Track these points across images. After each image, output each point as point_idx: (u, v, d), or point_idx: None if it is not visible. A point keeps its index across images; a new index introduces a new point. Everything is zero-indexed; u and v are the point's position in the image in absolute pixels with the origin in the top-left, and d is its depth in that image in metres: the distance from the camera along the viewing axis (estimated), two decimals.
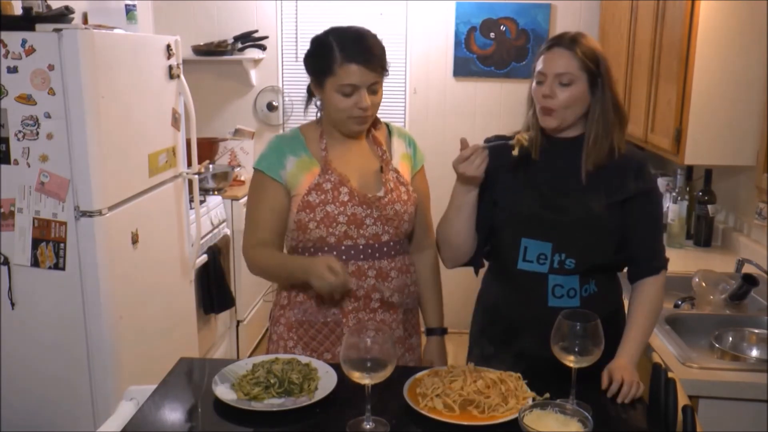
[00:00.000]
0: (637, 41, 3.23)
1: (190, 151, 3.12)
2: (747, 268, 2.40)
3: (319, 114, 1.88)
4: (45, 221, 2.39)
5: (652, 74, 2.96)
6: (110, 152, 2.43)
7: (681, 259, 2.79)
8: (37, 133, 2.33)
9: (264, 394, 1.53)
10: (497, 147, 1.68)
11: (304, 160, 1.83)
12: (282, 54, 4.35)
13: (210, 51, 4.16)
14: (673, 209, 3.05)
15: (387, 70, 1.79)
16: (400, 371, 1.52)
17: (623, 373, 1.57)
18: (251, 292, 4.04)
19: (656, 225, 1.78)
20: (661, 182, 3.23)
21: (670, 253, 1.83)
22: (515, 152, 1.67)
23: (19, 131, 2.34)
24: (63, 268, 2.41)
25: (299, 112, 4.35)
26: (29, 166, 2.36)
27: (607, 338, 1.47)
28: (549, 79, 1.67)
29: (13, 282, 2.44)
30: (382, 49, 1.78)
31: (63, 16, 2.40)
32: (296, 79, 4.36)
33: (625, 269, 1.80)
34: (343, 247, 1.81)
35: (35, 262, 2.42)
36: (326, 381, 1.58)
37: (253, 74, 4.35)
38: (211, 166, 3.97)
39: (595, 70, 1.66)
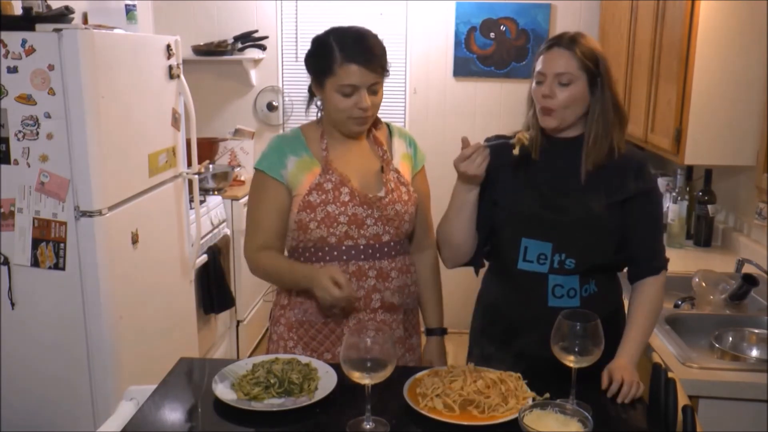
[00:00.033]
0: (637, 41, 3.23)
1: (190, 151, 3.12)
2: (747, 268, 2.40)
3: (319, 114, 1.88)
4: (45, 221, 2.39)
5: (652, 74, 2.96)
6: (110, 152, 2.43)
7: (681, 259, 2.79)
8: (37, 133, 2.33)
9: (264, 394, 1.53)
10: (498, 146, 1.68)
11: (305, 160, 1.83)
12: (282, 54, 4.35)
13: (210, 51, 4.16)
14: (673, 209, 3.05)
15: (387, 71, 1.79)
16: (400, 371, 1.52)
17: (623, 373, 1.57)
18: (251, 292, 4.04)
19: (656, 225, 1.78)
20: (661, 182, 3.22)
21: (670, 253, 1.83)
22: (516, 151, 1.67)
23: (19, 131, 2.34)
24: (63, 268, 2.41)
25: (299, 112, 4.35)
26: (29, 166, 2.36)
27: (607, 338, 1.47)
28: (548, 79, 1.67)
29: (13, 282, 2.44)
30: (383, 50, 1.78)
31: (63, 16, 2.40)
32: (296, 79, 4.36)
33: (625, 269, 1.80)
34: (343, 248, 1.81)
35: (35, 262, 2.42)
36: (326, 381, 1.58)
37: (253, 74, 4.35)
38: (211, 166, 3.97)
39: (594, 69, 1.66)
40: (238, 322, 3.93)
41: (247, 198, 1.94)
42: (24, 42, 2.27)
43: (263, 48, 4.26)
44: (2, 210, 2.40)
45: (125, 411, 1.56)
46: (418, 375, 1.60)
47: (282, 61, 4.36)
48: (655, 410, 1.53)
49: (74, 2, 2.66)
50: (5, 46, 2.28)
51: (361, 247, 1.82)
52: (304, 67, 1.84)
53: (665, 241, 2.41)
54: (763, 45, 2.55)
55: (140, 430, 1.46)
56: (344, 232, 1.79)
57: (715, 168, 2.99)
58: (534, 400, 1.48)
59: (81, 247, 2.40)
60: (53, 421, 2.52)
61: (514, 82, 4.21)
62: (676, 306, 2.36)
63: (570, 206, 1.70)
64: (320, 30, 1.81)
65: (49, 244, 2.40)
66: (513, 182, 1.75)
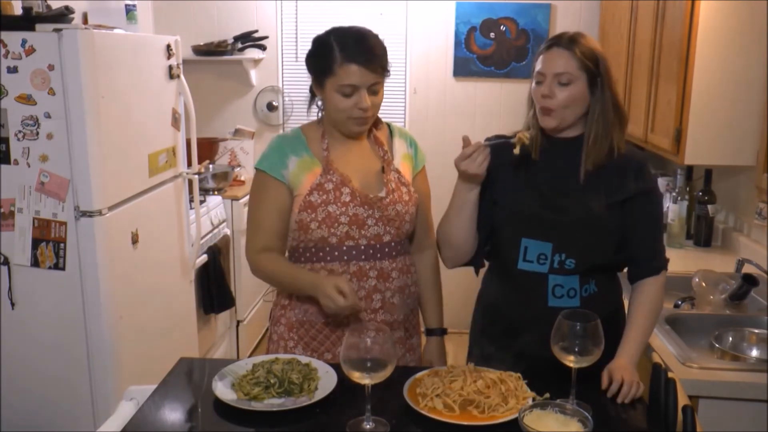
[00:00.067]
0: (637, 41, 3.23)
1: (190, 151, 3.12)
2: (747, 268, 2.40)
3: (320, 114, 1.88)
4: (45, 221, 2.39)
5: (652, 74, 2.96)
6: (110, 152, 2.43)
7: (681, 259, 2.79)
8: (37, 133, 2.33)
9: (264, 394, 1.53)
10: (498, 145, 1.68)
11: (306, 160, 1.82)
12: (282, 54, 4.35)
13: (210, 51, 4.16)
14: (673, 209, 3.05)
15: (388, 71, 1.79)
16: (400, 371, 1.52)
17: (623, 373, 1.57)
18: (251, 292, 4.04)
19: (656, 225, 1.78)
20: (661, 182, 3.22)
21: (670, 253, 1.83)
22: (517, 150, 1.67)
23: (19, 131, 2.34)
24: (63, 268, 2.41)
25: (299, 112, 4.36)
26: (29, 166, 2.36)
27: (607, 338, 1.47)
28: (548, 79, 1.67)
29: (13, 282, 2.44)
30: (384, 50, 1.77)
31: (63, 16, 2.40)
32: (296, 79, 4.36)
33: (625, 269, 1.80)
34: (344, 248, 1.81)
35: (35, 262, 2.42)
36: (326, 381, 1.58)
37: (253, 74, 4.35)
38: (211, 166, 3.97)
39: (594, 69, 1.66)
40: (238, 322, 3.93)
41: (247, 198, 1.94)
42: (24, 42, 2.27)
43: (263, 48, 4.26)
44: (2, 210, 2.40)
45: (125, 411, 1.56)
46: (418, 375, 1.60)
47: (282, 61, 4.36)
48: (655, 410, 1.53)
49: (74, 2, 2.66)
50: (5, 46, 2.28)
51: (362, 247, 1.81)
52: (304, 67, 1.84)
53: (665, 241, 2.41)
54: (763, 45, 2.55)
55: (140, 430, 1.46)
56: (345, 233, 1.79)
57: (715, 168, 2.99)
58: (534, 400, 1.48)
59: (81, 247, 2.39)
60: (53, 421, 2.52)
61: (514, 82, 4.21)
62: (676, 306, 2.36)
63: (570, 206, 1.70)
64: (320, 30, 1.81)
65: (49, 244, 2.40)
66: (513, 182, 1.75)
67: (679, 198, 3.07)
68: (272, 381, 1.55)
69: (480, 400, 1.47)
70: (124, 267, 2.54)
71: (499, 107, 4.29)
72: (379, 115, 1.89)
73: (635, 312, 1.72)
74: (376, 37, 1.78)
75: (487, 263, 1.89)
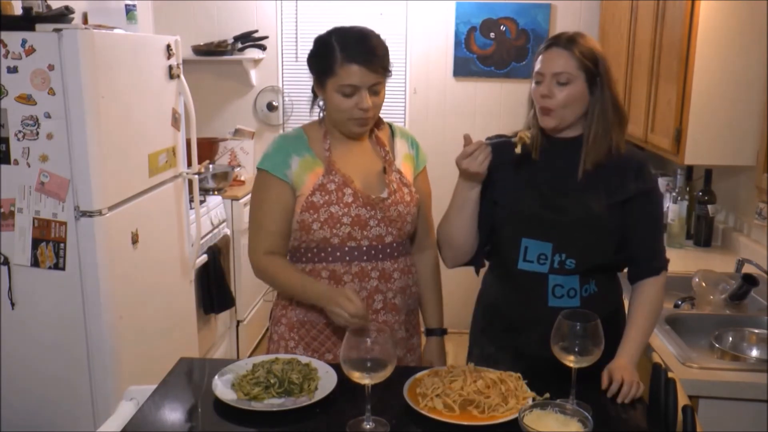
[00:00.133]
0: (637, 41, 3.23)
1: (190, 151, 3.12)
2: (747, 268, 2.40)
3: (321, 114, 1.88)
4: (45, 221, 2.39)
5: (652, 74, 2.96)
6: (110, 152, 2.43)
7: (681, 259, 2.79)
8: (37, 133, 2.33)
9: (264, 394, 1.53)
10: (499, 144, 1.68)
11: (308, 160, 1.82)
12: (282, 54, 4.35)
13: (210, 51, 4.16)
14: (673, 209, 3.05)
15: (390, 71, 1.78)
16: (400, 371, 1.52)
17: (623, 373, 1.57)
18: (251, 292, 4.04)
19: (656, 225, 1.78)
20: (661, 182, 3.22)
21: (670, 253, 1.83)
22: (518, 150, 1.67)
23: (19, 131, 2.34)
24: (63, 268, 2.41)
25: (299, 112, 4.36)
26: (29, 166, 2.36)
27: (607, 338, 1.47)
28: (547, 79, 1.67)
29: (13, 282, 2.44)
30: (385, 50, 1.77)
31: (63, 16, 2.40)
32: (296, 79, 4.36)
33: (626, 269, 1.80)
34: (346, 249, 1.80)
35: (35, 262, 2.42)
36: (326, 381, 1.58)
37: (253, 74, 4.35)
38: (211, 166, 3.97)
39: (593, 69, 1.66)
40: (238, 322, 3.93)
41: (247, 198, 1.94)
42: (24, 42, 2.27)
43: (263, 48, 4.26)
44: (2, 210, 2.40)
45: (125, 411, 1.56)
46: (418, 375, 1.60)
47: (282, 61, 4.36)
48: (655, 410, 1.53)
49: (74, 2, 2.66)
50: (5, 46, 2.28)
51: (364, 248, 1.81)
52: (304, 67, 1.84)
53: (665, 241, 2.41)
54: (763, 45, 2.55)
55: (140, 430, 1.46)
56: (347, 233, 1.79)
57: (715, 168, 2.99)
58: (534, 400, 1.48)
59: (81, 247, 2.40)
60: (53, 421, 2.52)
61: (514, 82, 4.21)
62: (676, 306, 2.36)
63: (570, 206, 1.70)
64: (320, 30, 1.80)
65: (49, 244, 2.40)
66: (513, 181, 1.75)
67: (679, 198, 3.07)
68: (272, 381, 1.55)
69: (480, 400, 1.47)
70: (124, 267, 2.54)
71: (499, 107, 4.29)
72: (380, 115, 1.89)
73: (635, 312, 1.72)
74: (377, 37, 1.77)
75: (487, 263, 1.89)
